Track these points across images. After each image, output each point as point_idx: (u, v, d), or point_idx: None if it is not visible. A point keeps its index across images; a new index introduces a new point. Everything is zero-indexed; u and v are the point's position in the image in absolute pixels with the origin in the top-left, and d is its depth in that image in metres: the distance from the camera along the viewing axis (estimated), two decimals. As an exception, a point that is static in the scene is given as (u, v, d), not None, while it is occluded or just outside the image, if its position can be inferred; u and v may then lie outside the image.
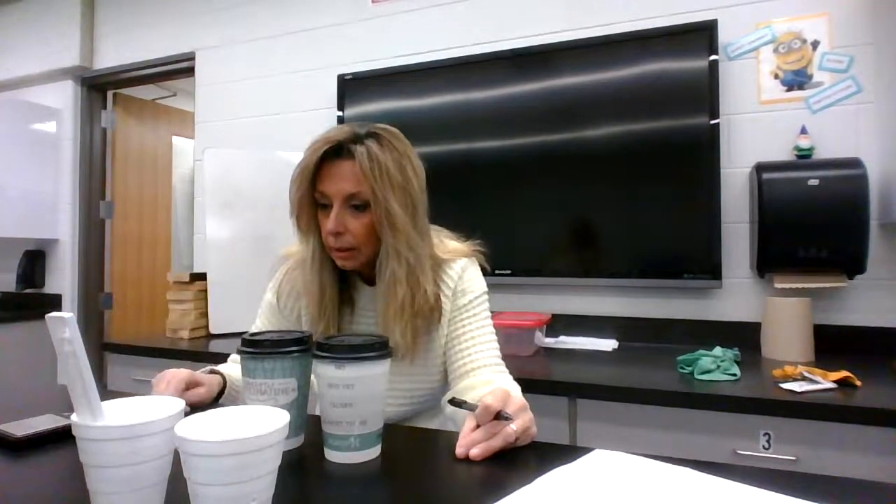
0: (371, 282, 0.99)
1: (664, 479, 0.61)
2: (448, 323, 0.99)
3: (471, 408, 0.73)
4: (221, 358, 1.11)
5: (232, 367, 1.02)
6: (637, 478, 0.62)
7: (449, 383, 0.99)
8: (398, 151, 0.90)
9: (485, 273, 1.06)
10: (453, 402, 0.78)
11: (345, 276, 1.00)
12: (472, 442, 0.68)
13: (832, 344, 1.63)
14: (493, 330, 1.01)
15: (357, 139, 0.89)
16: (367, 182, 0.87)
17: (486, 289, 1.03)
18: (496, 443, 0.69)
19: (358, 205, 0.89)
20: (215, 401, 0.91)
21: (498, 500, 0.56)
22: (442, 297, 0.97)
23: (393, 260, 0.90)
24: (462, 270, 1.01)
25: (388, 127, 0.93)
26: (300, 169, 0.91)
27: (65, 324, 0.50)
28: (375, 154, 0.87)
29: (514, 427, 0.70)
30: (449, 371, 0.99)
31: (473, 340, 0.97)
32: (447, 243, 1.04)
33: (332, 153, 0.89)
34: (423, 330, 0.96)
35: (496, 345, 1.00)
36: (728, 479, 0.60)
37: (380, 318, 0.94)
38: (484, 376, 0.92)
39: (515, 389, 0.90)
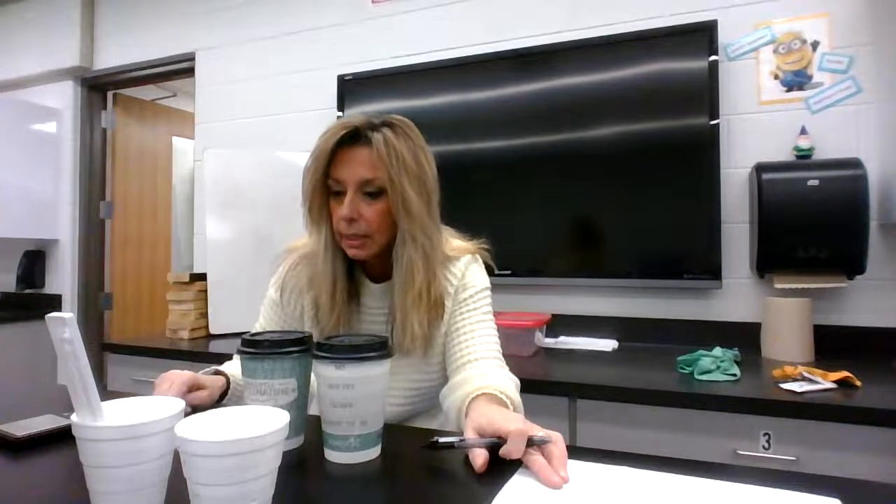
0: (377, 280, 0.99)
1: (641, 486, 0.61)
2: (449, 317, 0.98)
3: (449, 445, 0.69)
4: (223, 358, 1.10)
5: (236, 366, 0.98)
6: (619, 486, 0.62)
7: (448, 377, 0.98)
8: (413, 141, 0.91)
9: (489, 271, 1.06)
10: (430, 446, 0.70)
11: (352, 273, 0.99)
12: (550, 472, 0.62)
13: (832, 344, 1.63)
14: (494, 325, 1.00)
15: (373, 127, 0.89)
16: (384, 168, 0.87)
17: (488, 284, 1.03)
18: (562, 456, 0.65)
19: (372, 192, 0.89)
20: (219, 401, 0.90)
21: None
22: (444, 293, 0.97)
23: (409, 246, 0.90)
24: (465, 267, 1.01)
25: (401, 117, 0.93)
26: (315, 155, 0.90)
27: (65, 324, 0.50)
28: (391, 141, 0.88)
29: (547, 437, 0.67)
30: (447, 364, 0.98)
31: (472, 334, 0.96)
32: (452, 242, 1.03)
33: (347, 139, 0.89)
34: (435, 323, 0.96)
35: (496, 339, 0.99)
36: (719, 479, 0.61)
37: (398, 308, 0.93)
38: (479, 369, 0.91)
39: (510, 384, 0.89)
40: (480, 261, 1.05)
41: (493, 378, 0.88)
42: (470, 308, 0.98)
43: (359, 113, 2.24)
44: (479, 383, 0.85)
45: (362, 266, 0.99)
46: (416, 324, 0.91)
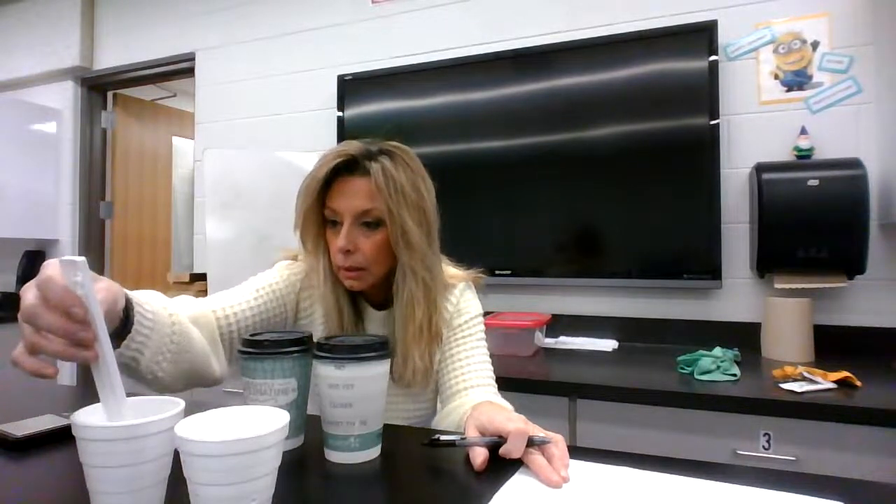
0: (379, 307, 0.97)
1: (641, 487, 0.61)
2: (443, 344, 0.97)
3: (450, 443, 0.70)
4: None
5: (155, 298, 0.74)
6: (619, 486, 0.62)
7: (439, 403, 0.97)
8: (412, 170, 0.88)
9: (479, 290, 1.05)
10: (431, 443, 0.71)
11: (354, 300, 0.97)
12: (550, 472, 0.62)
13: (832, 344, 1.63)
14: (487, 351, 0.99)
15: (370, 156, 0.86)
16: (382, 198, 0.84)
17: (481, 311, 1.02)
18: (563, 457, 0.65)
19: (369, 222, 0.87)
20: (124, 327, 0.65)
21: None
22: (443, 323, 0.96)
23: (410, 280, 0.88)
24: (460, 294, 1.00)
25: (399, 145, 0.91)
26: (307, 182, 0.87)
27: (76, 267, 0.50)
28: (390, 171, 0.85)
29: (548, 439, 0.67)
30: (440, 391, 0.97)
31: (467, 360, 0.95)
32: (448, 270, 1.02)
33: (343, 168, 0.87)
34: (437, 355, 0.94)
35: (489, 366, 0.97)
36: (720, 479, 0.60)
37: (398, 341, 0.90)
38: (475, 396, 0.89)
39: (507, 405, 0.88)
40: (473, 287, 1.05)
41: (489, 400, 0.87)
42: (465, 334, 0.97)
43: (358, 115, 2.28)
44: (476, 402, 0.84)
45: (363, 293, 0.97)
46: (417, 357, 0.89)
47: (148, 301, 0.70)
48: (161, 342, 0.70)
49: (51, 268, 0.51)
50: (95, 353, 0.50)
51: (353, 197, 0.86)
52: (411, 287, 0.88)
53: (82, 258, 0.50)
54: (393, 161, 0.86)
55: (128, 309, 0.65)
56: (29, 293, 0.50)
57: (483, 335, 1.00)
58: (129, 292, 0.68)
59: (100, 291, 0.56)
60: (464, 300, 1.00)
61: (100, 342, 0.51)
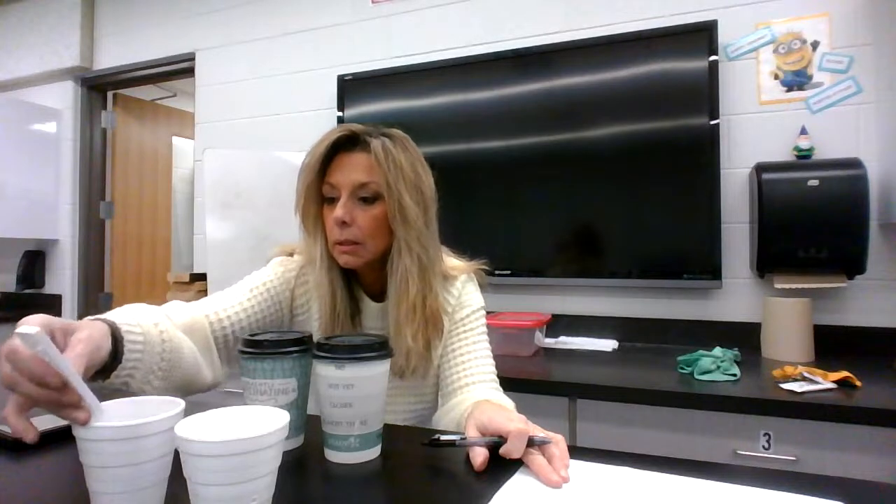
0: (376, 298, 0.96)
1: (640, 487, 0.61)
2: (445, 338, 0.96)
3: (450, 443, 0.70)
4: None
5: (138, 315, 0.73)
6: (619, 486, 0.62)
7: (440, 399, 0.96)
8: (411, 153, 0.90)
9: (483, 288, 1.05)
10: (431, 443, 0.71)
11: (350, 288, 0.95)
12: (549, 472, 0.62)
13: (832, 344, 1.63)
14: (489, 346, 0.99)
15: (371, 133, 0.89)
16: (381, 172, 0.85)
17: (483, 304, 1.02)
18: (563, 457, 0.65)
19: (367, 196, 0.87)
20: (113, 363, 0.66)
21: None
22: (442, 312, 0.94)
23: (405, 255, 0.88)
24: (462, 286, 0.99)
25: (400, 132, 0.93)
26: (308, 159, 0.89)
27: (36, 342, 0.49)
28: (390, 148, 0.87)
29: (548, 438, 0.67)
30: (441, 387, 0.96)
31: (469, 356, 0.94)
32: (449, 261, 1.01)
33: (344, 142, 0.89)
34: (434, 342, 0.93)
35: (491, 361, 0.97)
36: (720, 479, 0.60)
37: (391, 321, 0.90)
38: (476, 393, 0.89)
39: (508, 402, 0.88)
40: (475, 280, 1.04)
41: (490, 396, 0.87)
42: (466, 329, 0.97)
43: (358, 115, 2.27)
44: (477, 399, 0.84)
45: (360, 283, 0.96)
46: (409, 338, 0.88)
47: (138, 322, 0.70)
48: (151, 363, 0.70)
49: (14, 339, 0.52)
50: (88, 414, 0.51)
51: (351, 170, 0.87)
52: (406, 262, 0.88)
53: (35, 330, 0.49)
54: (393, 141, 0.89)
55: (115, 340, 0.65)
56: (3, 363, 0.51)
57: (485, 329, 1.00)
58: (117, 319, 0.68)
59: (78, 344, 0.56)
60: (465, 293, 0.99)
61: (84, 402, 0.52)
